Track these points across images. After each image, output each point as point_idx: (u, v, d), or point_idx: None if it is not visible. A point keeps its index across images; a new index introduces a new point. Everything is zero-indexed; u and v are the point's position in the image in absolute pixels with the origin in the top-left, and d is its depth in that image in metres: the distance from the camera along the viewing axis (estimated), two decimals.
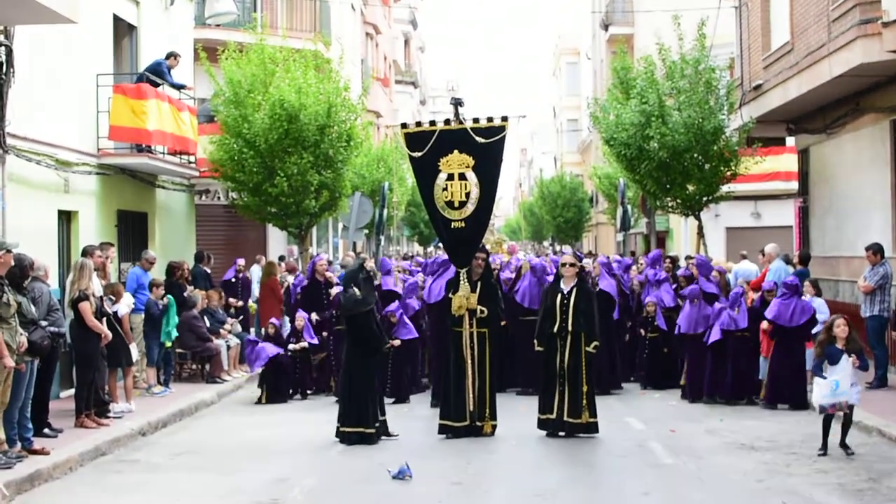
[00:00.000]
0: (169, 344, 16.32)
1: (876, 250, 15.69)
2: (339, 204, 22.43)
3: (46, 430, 11.95)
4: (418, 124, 13.44)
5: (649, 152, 20.77)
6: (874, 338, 15.48)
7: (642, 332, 17.01)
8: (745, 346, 14.98)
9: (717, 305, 15.32)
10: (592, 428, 12.47)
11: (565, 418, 12.42)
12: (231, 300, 20.11)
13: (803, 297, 14.80)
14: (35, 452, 10.95)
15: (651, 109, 20.83)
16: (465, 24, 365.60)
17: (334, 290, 16.22)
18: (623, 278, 17.91)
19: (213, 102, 21.55)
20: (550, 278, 14.60)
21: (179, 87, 19.33)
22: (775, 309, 14.54)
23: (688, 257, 20.41)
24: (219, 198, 24.52)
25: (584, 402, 12.39)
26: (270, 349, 15.96)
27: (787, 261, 17.99)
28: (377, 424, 12.36)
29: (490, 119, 12.86)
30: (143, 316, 15.93)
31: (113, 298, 14.38)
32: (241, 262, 21.49)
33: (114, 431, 12.63)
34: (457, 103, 13.19)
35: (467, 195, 12.74)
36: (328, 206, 21.68)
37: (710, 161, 20.90)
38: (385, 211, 27.45)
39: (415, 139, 13.04)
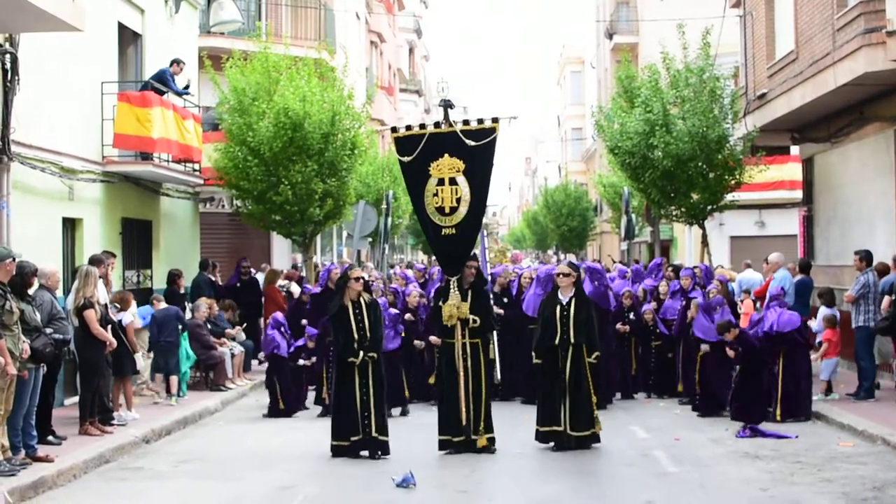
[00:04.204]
0: (188, 365, 16.51)
1: (863, 257, 15.50)
2: (343, 212, 22.44)
3: (50, 438, 11.95)
4: (408, 128, 13.13)
5: (653, 161, 20.75)
6: (861, 349, 15.34)
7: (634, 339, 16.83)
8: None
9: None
10: (596, 438, 12.38)
11: (569, 432, 12.19)
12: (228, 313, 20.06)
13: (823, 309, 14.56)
14: (39, 460, 10.94)
15: (655, 118, 20.80)
16: (469, 32, 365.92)
17: None
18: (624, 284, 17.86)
19: (218, 110, 21.59)
20: None
21: (184, 94, 19.35)
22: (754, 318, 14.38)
23: (694, 268, 20.32)
24: (223, 206, 24.54)
25: (594, 413, 12.26)
26: (275, 341, 15.53)
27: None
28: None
29: (480, 121, 12.46)
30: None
31: (118, 306, 14.38)
32: (246, 262, 21.30)
33: (117, 439, 12.62)
34: (447, 105, 12.78)
35: (458, 200, 12.30)
36: (332, 214, 21.68)
37: (715, 170, 20.85)
38: (389, 219, 27.50)
39: (405, 143, 12.68)
